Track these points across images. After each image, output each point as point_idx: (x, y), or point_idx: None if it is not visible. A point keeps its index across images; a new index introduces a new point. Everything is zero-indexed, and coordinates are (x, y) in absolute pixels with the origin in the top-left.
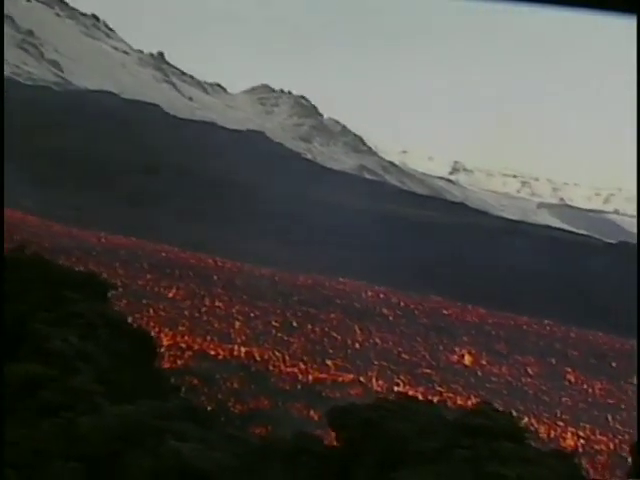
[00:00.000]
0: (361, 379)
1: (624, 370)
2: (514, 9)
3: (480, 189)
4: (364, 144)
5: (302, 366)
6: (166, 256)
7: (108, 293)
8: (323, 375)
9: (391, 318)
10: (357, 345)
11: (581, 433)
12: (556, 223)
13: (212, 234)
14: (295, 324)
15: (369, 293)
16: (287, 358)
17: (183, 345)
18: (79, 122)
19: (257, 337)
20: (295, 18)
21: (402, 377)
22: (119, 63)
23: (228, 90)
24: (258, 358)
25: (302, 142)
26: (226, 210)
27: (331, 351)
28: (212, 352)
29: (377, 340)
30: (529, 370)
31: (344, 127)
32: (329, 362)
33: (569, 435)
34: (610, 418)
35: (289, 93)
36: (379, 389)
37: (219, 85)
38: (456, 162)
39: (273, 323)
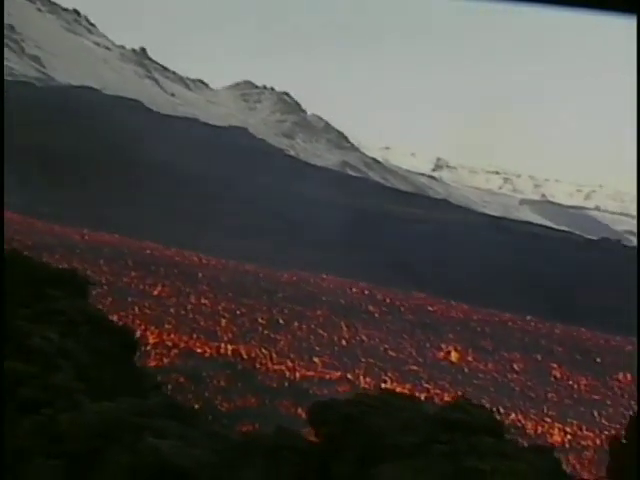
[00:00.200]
0: (348, 376)
1: (609, 366)
2: (501, 8)
3: (463, 186)
4: (347, 141)
5: (289, 364)
6: (150, 253)
7: (90, 290)
8: (310, 373)
9: (377, 315)
10: (344, 342)
11: (568, 429)
12: (538, 219)
13: (194, 230)
14: (281, 321)
15: (353, 290)
16: (274, 356)
17: (169, 343)
18: (61, 118)
19: (243, 335)
20: (279, 15)
21: (389, 374)
22: (101, 59)
23: (210, 86)
24: (245, 356)
25: (285, 138)
26: (208, 206)
27: (318, 348)
28: (198, 350)
29: (364, 337)
30: (515, 366)
31: (327, 123)
32: (316, 359)
33: (556, 431)
34: (596, 414)
35: (272, 89)
36: (366, 386)
37: (201, 81)
38: (439, 159)
39: (259, 320)
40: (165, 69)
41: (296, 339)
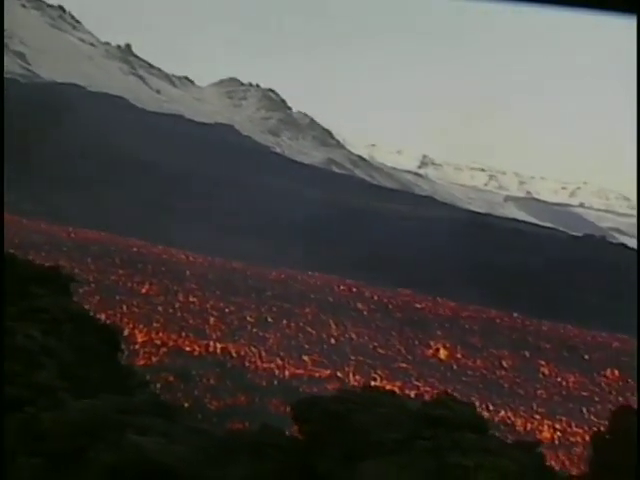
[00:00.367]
0: (338, 374)
1: (596, 363)
2: (487, 7)
3: (448, 183)
4: (333, 138)
5: (278, 362)
6: (138, 251)
7: (77, 288)
8: (300, 371)
9: (365, 313)
10: (333, 340)
11: (557, 425)
12: (522, 216)
13: (181, 228)
14: (270, 319)
15: (341, 287)
16: (263, 354)
17: (158, 342)
18: (45, 115)
19: (232, 333)
20: (265, 13)
21: (379, 372)
22: (86, 55)
23: (196, 83)
24: (234, 354)
25: (271, 135)
26: (195, 204)
27: (307, 346)
28: (187, 348)
29: (353, 335)
30: (504, 363)
31: (312, 120)
32: (306, 357)
33: (545, 428)
34: (585, 410)
35: (257, 86)
36: (356, 384)
37: (187, 78)
38: (425, 156)
39: (248, 318)
40: (150, 66)
41: (285, 337)
